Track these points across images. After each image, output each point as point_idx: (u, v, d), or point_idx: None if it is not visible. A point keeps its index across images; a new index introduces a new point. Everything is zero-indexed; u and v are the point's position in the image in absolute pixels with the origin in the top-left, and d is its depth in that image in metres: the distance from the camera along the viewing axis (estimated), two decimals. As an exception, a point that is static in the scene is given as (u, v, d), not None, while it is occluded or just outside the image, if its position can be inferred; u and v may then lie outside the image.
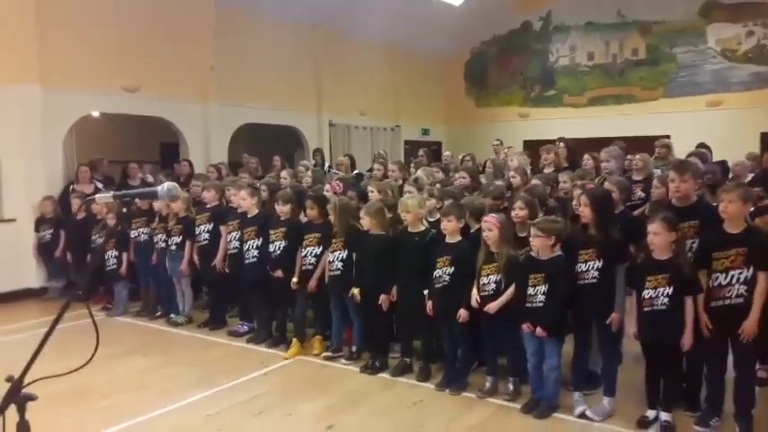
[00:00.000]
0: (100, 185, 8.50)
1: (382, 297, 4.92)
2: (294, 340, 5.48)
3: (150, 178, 9.21)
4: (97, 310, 7.13)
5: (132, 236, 6.93)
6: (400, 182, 6.61)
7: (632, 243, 4.16)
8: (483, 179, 7.08)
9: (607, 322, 3.99)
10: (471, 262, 4.50)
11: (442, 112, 16.34)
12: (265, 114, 11.34)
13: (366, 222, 5.07)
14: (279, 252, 5.54)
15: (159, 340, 6.09)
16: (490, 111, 15.93)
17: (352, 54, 13.03)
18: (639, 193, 6.21)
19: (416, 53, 14.58)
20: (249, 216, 5.90)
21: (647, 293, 3.79)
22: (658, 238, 3.74)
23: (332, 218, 5.28)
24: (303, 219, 5.67)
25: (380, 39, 13.28)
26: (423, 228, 4.89)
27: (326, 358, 5.30)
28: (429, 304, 4.64)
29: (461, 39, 15.42)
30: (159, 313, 6.81)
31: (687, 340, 3.72)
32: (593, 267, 4.00)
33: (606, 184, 4.76)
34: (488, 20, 15.01)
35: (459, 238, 4.63)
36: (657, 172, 6.30)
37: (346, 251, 5.22)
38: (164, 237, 6.64)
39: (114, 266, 6.95)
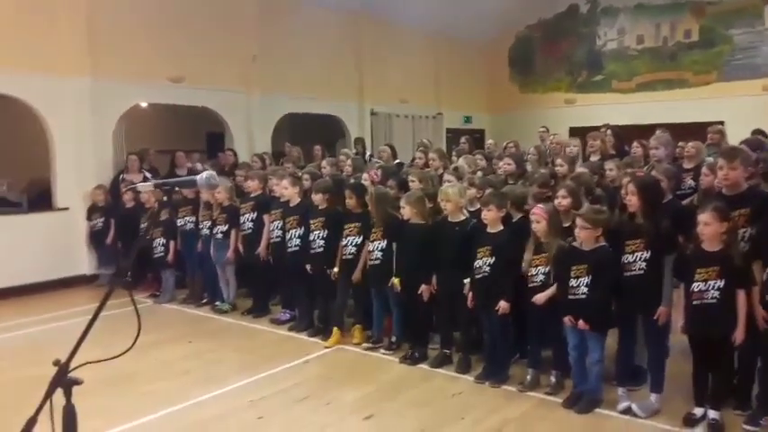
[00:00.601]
0: (148, 175, 8.72)
1: (423, 287, 4.90)
2: (335, 329, 5.52)
3: (199, 167, 9.34)
4: (145, 297, 7.36)
5: (179, 224, 7.09)
6: (441, 171, 6.53)
7: (681, 233, 4.02)
8: (528, 167, 6.94)
9: (655, 317, 3.87)
10: (513, 252, 4.43)
11: (485, 99, 16.08)
12: (307, 104, 11.40)
13: (406, 212, 5.04)
14: (318, 241, 5.57)
15: (204, 327, 6.23)
16: (535, 97, 15.58)
17: (393, 42, 12.95)
18: (690, 182, 6.01)
19: (459, 39, 14.39)
20: (291, 205, 5.96)
21: (696, 286, 3.65)
22: (709, 228, 3.60)
23: (370, 207, 5.27)
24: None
25: (422, 25, 13.15)
26: (463, 217, 4.83)
27: (366, 348, 5.33)
28: (470, 295, 4.60)
29: (505, 23, 15.10)
30: (205, 300, 6.96)
31: (740, 335, 3.57)
32: (640, 258, 3.88)
33: (654, 173, 4.59)
34: (533, 3, 14.65)
35: (501, 227, 4.56)
36: (710, 160, 6.06)
37: (385, 241, 5.22)
38: (209, 225, 6.77)
39: (161, 254, 7.13)
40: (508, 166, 6.35)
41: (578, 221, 3.97)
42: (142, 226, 7.43)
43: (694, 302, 3.67)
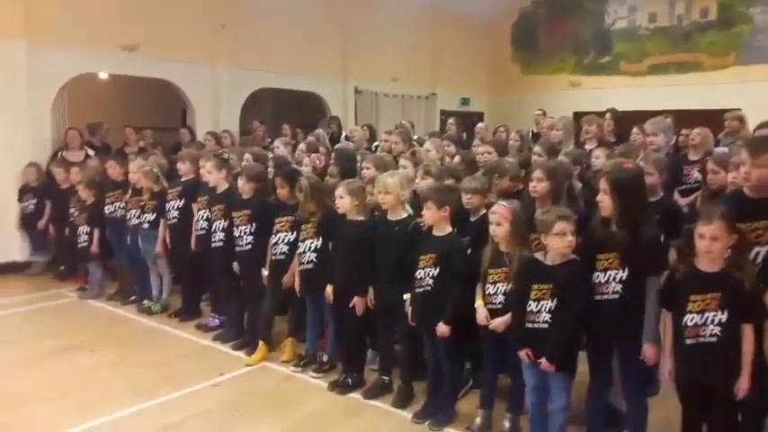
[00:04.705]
0: (91, 152, 7.85)
1: (355, 299, 3.99)
2: (260, 343, 4.62)
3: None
4: (72, 291, 6.52)
5: (107, 211, 6.19)
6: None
7: (671, 239, 3.09)
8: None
9: (640, 358, 2.95)
10: (462, 262, 3.51)
11: (486, 79, 14.99)
12: (283, 79, 10.42)
13: (344, 203, 4.07)
14: (246, 237, 4.68)
15: (119, 331, 5.34)
16: (539, 78, 14.48)
17: (384, 13, 11.87)
18: (696, 175, 5.05)
19: (458, 13, 13.24)
20: (218, 192, 5.05)
21: (690, 319, 2.71)
22: (718, 244, 2.64)
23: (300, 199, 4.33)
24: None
25: (418, -3, 12.11)
26: (405, 215, 3.90)
27: (294, 368, 4.43)
28: (409, 311, 3.69)
29: (509, -2, 14.04)
30: (133, 298, 6.08)
31: (744, 384, 2.65)
32: (614, 278, 2.94)
33: (642, 164, 3.63)
34: (539, -24, 13.58)
35: (449, 230, 3.63)
36: (720, 150, 5.07)
37: (320, 239, 4.30)
38: (137, 213, 5.89)
39: (85, 243, 6.26)
40: (488, 155, 5.34)
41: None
42: (72, 210, 6.60)
43: (687, 341, 2.72)
